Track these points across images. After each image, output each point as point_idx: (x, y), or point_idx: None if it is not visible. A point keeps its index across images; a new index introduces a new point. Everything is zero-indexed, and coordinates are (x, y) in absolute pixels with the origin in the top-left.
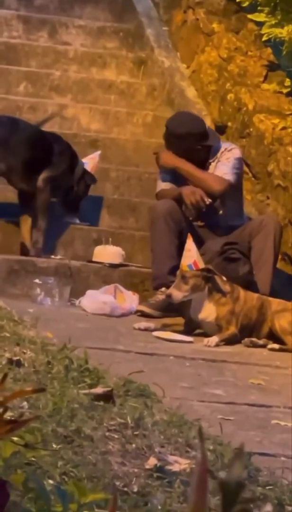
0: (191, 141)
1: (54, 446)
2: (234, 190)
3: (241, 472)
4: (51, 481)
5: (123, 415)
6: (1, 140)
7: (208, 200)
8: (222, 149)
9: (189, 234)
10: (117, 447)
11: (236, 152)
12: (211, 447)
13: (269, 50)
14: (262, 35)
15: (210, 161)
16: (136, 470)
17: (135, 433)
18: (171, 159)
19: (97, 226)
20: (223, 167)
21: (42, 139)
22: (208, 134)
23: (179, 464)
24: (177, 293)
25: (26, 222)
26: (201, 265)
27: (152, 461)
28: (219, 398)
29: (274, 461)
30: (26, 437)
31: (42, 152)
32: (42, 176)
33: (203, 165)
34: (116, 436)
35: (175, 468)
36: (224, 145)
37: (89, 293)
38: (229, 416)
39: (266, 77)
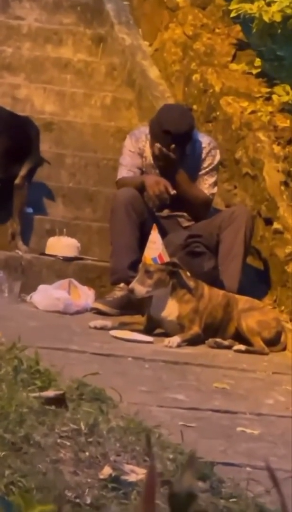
0: (186, 139)
1: (0, 453)
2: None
3: (192, 481)
4: None
5: (76, 420)
6: None
7: (172, 191)
8: (203, 144)
9: (154, 225)
10: (70, 455)
11: (218, 156)
12: (171, 456)
13: (238, 27)
14: (230, 11)
15: (188, 153)
16: (89, 480)
17: (89, 440)
18: (160, 182)
19: (50, 216)
20: (210, 181)
21: (19, 124)
22: None
23: (136, 474)
24: (140, 288)
25: None
26: (166, 258)
27: (106, 471)
28: (181, 403)
29: (239, 471)
30: None
31: (21, 140)
32: (23, 172)
33: (183, 159)
34: (68, 444)
35: (132, 478)
36: (203, 138)
37: (41, 288)
38: (191, 423)
39: (234, 56)
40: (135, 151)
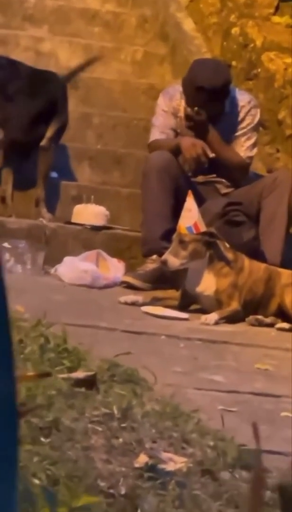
0: (223, 95)
1: (27, 439)
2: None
3: None
4: (36, 481)
5: (108, 404)
6: None
7: (211, 154)
8: (242, 102)
9: (190, 191)
10: (101, 442)
11: (258, 115)
12: (211, 443)
13: None
14: None
15: (226, 111)
16: (123, 469)
17: (122, 425)
18: (196, 143)
19: (76, 181)
20: (247, 143)
21: (44, 81)
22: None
23: (174, 462)
24: (174, 260)
25: (8, 175)
26: (203, 228)
27: (142, 459)
28: (219, 386)
29: (285, 460)
30: None
31: (46, 99)
32: (49, 133)
33: (219, 119)
34: (100, 429)
35: (169, 467)
36: (242, 95)
37: (67, 260)
38: (231, 407)
39: (277, 8)
40: (169, 110)
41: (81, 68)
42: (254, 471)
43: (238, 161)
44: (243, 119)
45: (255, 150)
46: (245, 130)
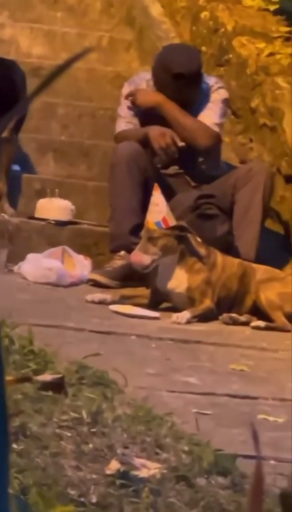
0: (199, 79)
1: None
2: None
3: None
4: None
5: (77, 408)
6: None
7: (180, 144)
8: (211, 84)
9: (156, 185)
10: (71, 448)
11: (223, 93)
12: (186, 448)
13: None
14: None
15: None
16: (94, 476)
17: (93, 430)
18: (153, 97)
19: (40, 174)
20: (211, 113)
21: (3, 70)
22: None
23: (147, 468)
24: (144, 257)
25: None
26: (172, 222)
27: (114, 465)
28: (194, 388)
29: (263, 465)
30: None
31: (6, 89)
32: (10, 124)
33: (191, 108)
34: (69, 434)
35: (143, 473)
36: (209, 80)
37: (31, 257)
38: (206, 410)
39: None
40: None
41: (72, 61)
42: (253, 480)
43: (202, 128)
44: (209, 99)
45: (222, 120)
46: (209, 104)
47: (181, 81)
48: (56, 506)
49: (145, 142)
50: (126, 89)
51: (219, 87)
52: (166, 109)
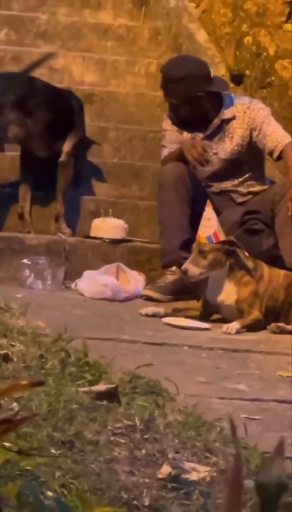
0: (191, 86)
1: (50, 454)
2: (255, 150)
3: (281, 471)
4: (50, 493)
5: (131, 416)
6: (18, 102)
7: (212, 151)
8: (242, 106)
9: (208, 201)
10: (124, 454)
11: (263, 107)
12: (234, 452)
13: None
14: None
15: (225, 117)
16: (147, 480)
17: (145, 436)
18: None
19: (94, 195)
20: (271, 129)
21: (61, 97)
22: (212, 78)
23: (198, 472)
24: (194, 269)
25: (26, 191)
26: (222, 237)
27: (165, 469)
28: (242, 394)
29: None
30: (18, 443)
31: (63, 114)
32: (67, 148)
33: (209, 118)
34: (122, 441)
35: (193, 476)
36: (241, 99)
37: (87, 274)
38: (254, 415)
39: (289, 16)
40: (172, 129)
41: (38, 63)
42: (232, 471)
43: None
44: (253, 117)
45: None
46: (263, 125)
47: (164, 82)
48: (94, 508)
49: (183, 158)
50: (164, 122)
51: (256, 103)
52: None
